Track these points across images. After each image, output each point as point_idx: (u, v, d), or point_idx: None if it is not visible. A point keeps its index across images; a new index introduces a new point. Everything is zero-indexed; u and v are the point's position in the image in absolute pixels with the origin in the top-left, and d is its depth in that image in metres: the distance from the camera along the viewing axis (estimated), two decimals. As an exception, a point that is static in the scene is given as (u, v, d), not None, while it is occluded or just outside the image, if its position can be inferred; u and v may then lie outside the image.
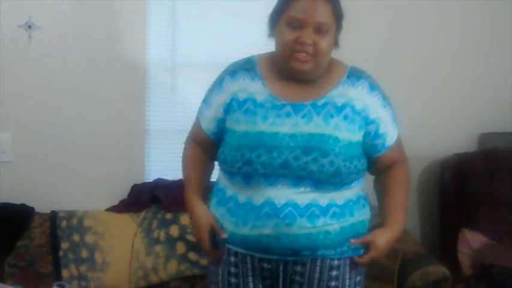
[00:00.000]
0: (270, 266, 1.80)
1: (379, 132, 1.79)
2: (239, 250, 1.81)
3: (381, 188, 1.88)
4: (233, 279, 1.83)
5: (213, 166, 1.97)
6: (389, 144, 1.82)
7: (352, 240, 1.78)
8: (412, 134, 3.08)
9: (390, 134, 1.82)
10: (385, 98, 1.81)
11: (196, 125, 1.92)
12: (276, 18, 1.75)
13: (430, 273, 2.66)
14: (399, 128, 1.86)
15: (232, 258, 1.83)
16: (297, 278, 1.80)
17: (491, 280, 2.79)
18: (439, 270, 2.67)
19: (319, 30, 1.69)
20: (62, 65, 2.83)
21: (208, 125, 1.87)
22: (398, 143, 1.86)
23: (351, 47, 2.54)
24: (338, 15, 1.74)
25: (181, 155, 1.98)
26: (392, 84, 2.93)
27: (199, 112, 1.90)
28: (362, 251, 1.83)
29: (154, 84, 2.98)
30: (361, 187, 1.84)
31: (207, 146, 1.90)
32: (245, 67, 1.82)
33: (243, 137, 1.74)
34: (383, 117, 1.79)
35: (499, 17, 3.30)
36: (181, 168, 1.97)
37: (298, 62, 1.71)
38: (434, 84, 3.27)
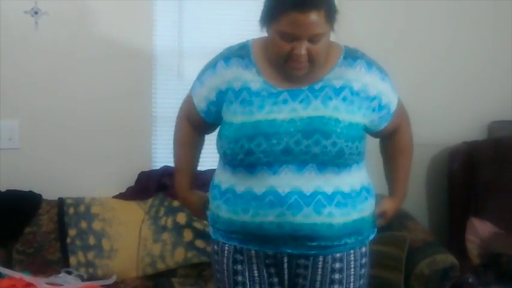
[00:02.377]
0: (274, 261, 1.79)
1: (382, 104, 1.79)
2: (237, 244, 1.79)
3: (386, 154, 1.96)
4: (239, 267, 1.82)
5: (203, 141, 1.98)
6: (393, 110, 1.83)
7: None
8: (421, 121, 3.06)
9: (392, 101, 1.82)
10: (381, 71, 1.80)
11: (188, 102, 1.89)
12: (267, 25, 1.70)
13: (438, 262, 2.65)
14: (397, 92, 1.86)
15: (239, 256, 1.81)
16: (301, 271, 1.79)
17: (500, 269, 2.79)
18: (447, 258, 2.67)
19: (313, 39, 1.65)
20: (69, 51, 2.82)
21: (199, 103, 1.83)
22: (400, 105, 1.87)
23: (365, 35, 2.53)
24: (332, 16, 1.67)
25: (173, 133, 1.98)
26: (404, 73, 2.94)
27: (192, 89, 1.87)
28: (366, 242, 1.83)
29: (161, 71, 2.97)
30: (361, 172, 1.82)
31: (198, 124, 1.89)
32: (239, 53, 1.77)
33: (240, 128, 1.71)
34: (383, 90, 1.79)
35: (510, 7, 3.26)
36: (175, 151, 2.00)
37: (293, 69, 1.69)
38: (445, 73, 3.24)
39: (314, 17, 1.61)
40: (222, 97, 1.77)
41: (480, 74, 3.29)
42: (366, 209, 1.81)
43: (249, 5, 2.95)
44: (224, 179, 1.80)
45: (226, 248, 1.82)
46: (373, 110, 1.77)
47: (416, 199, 3.25)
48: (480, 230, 2.97)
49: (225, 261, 1.83)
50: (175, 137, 1.98)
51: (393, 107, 1.83)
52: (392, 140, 1.92)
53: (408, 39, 3.17)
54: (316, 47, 1.66)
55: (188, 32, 2.95)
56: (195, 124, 1.90)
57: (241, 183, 1.74)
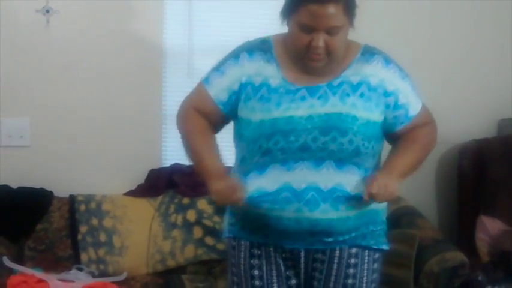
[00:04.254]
0: (291, 255, 1.81)
1: (399, 103, 1.77)
2: (254, 240, 1.80)
3: (396, 145, 1.81)
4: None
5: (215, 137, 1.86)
6: (413, 114, 1.80)
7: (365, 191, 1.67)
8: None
9: (412, 104, 1.80)
10: (401, 70, 1.80)
11: (201, 93, 1.82)
12: (287, 18, 1.72)
13: (447, 259, 2.64)
14: (421, 99, 1.83)
15: (257, 261, 1.83)
16: (318, 265, 1.82)
17: (509, 266, 2.77)
18: (456, 256, 2.66)
19: (331, 32, 1.66)
20: (80, 49, 2.84)
21: (218, 94, 1.79)
22: (425, 111, 1.84)
23: (371, 33, 2.52)
24: (350, 10, 1.68)
25: (182, 126, 1.85)
26: (412, 70, 2.90)
27: (207, 80, 1.81)
28: (383, 245, 1.85)
29: (171, 68, 2.98)
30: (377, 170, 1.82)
31: (211, 115, 1.82)
32: (262, 47, 1.79)
33: (259, 127, 1.72)
34: (402, 88, 1.78)
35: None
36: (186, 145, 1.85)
37: (311, 61, 1.70)
38: (454, 70, 3.23)
39: (332, 9, 1.63)
40: (242, 89, 1.76)
41: (490, 72, 3.28)
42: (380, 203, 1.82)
43: (259, 2, 2.96)
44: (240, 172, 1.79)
45: (243, 242, 1.84)
46: (388, 106, 1.76)
47: (425, 197, 3.24)
48: (490, 228, 2.96)
49: (242, 255, 1.84)
50: (186, 128, 1.85)
51: (413, 110, 1.80)
52: (411, 131, 1.80)
53: (418, 38, 3.15)
54: (334, 40, 1.67)
55: (198, 29, 2.95)
56: (207, 115, 1.82)
57: (251, 184, 1.74)
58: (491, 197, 3.07)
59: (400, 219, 2.88)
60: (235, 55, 1.80)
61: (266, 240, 1.81)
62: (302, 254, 1.80)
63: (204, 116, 1.83)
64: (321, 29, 1.65)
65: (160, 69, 2.94)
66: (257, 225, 1.79)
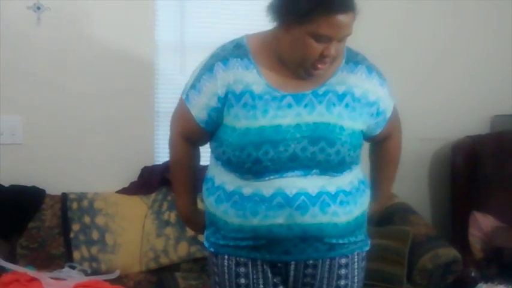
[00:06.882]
0: (280, 270, 1.79)
1: (380, 110, 1.79)
2: (244, 254, 1.77)
3: (375, 162, 1.97)
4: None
5: (200, 154, 1.89)
6: (388, 117, 1.82)
7: None
8: (424, 116, 3.09)
9: (388, 107, 1.82)
10: (380, 76, 1.79)
11: (183, 115, 1.77)
12: (293, 25, 1.61)
13: (440, 256, 2.65)
14: (394, 99, 1.85)
15: (242, 269, 1.79)
16: (309, 271, 1.79)
17: (502, 263, 2.79)
18: (449, 252, 2.66)
19: (342, 39, 1.64)
20: (71, 46, 2.82)
21: (198, 113, 1.73)
22: (395, 112, 1.86)
23: (369, 31, 2.52)
24: (356, 15, 1.65)
25: (169, 154, 1.89)
26: (407, 68, 2.92)
27: (187, 98, 1.74)
28: (368, 247, 1.88)
29: (164, 65, 2.97)
30: (359, 168, 1.83)
31: (195, 137, 1.79)
32: (237, 54, 1.69)
33: (244, 134, 1.66)
34: (381, 95, 1.78)
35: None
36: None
37: (317, 69, 1.66)
38: (447, 67, 3.24)
39: (351, 18, 1.60)
40: (223, 102, 1.69)
41: (483, 68, 3.28)
42: (365, 202, 1.84)
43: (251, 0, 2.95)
44: (228, 180, 1.74)
45: (227, 256, 1.80)
46: (372, 115, 1.77)
47: (419, 193, 3.25)
48: (483, 224, 2.97)
49: (225, 263, 1.80)
50: (172, 159, 1.89)
51: (389, 113, 1.82)
52: (382, 148, 1.91)
53: (411, 35, 3.15)
54: (341, 46, 1.66)
55: (190, 26, 2.94)
56: (192, 138, 1.80)
57: (248, 186, 1.71)
58: (484, 194, 3.08)
59: (393, 215, 2.88)
60: (209, 67, 1.70)
61: (256, 254, 1.76)
62: (292, 264, 1.78)
63: (189, 140, 1.82)
64: (338, 38, 1.61)
65: (153, 66, 2.93)
66: (248, 236, 1.74)
